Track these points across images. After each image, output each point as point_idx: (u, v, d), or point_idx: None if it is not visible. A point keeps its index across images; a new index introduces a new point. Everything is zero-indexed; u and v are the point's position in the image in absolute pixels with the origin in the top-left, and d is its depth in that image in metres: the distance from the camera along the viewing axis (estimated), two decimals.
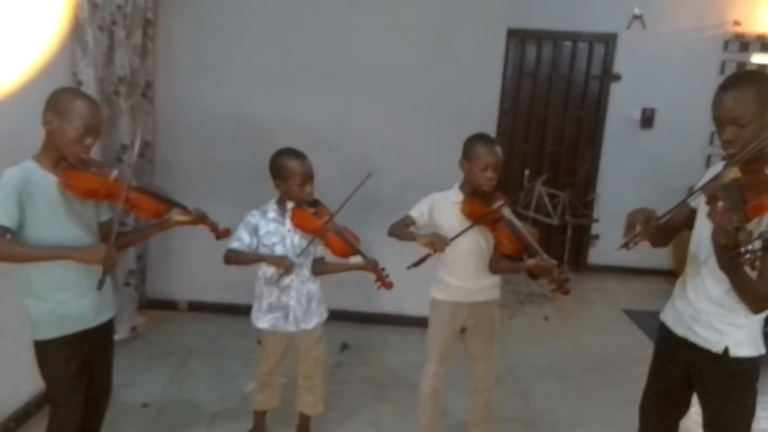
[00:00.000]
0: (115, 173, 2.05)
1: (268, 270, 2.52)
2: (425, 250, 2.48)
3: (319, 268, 2.59)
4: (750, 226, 1.62)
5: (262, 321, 2.57)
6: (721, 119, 1.80)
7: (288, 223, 2.48)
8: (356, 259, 2.44)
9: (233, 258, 2.48)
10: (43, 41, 2.81)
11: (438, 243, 2.39)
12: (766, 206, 1.62)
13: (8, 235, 1.86)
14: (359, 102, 4.07)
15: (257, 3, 4.02)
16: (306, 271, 2.55)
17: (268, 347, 2.62)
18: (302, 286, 2.54)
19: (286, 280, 2.50)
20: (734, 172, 1.67)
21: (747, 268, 1.67)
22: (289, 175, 2.44)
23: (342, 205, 2.38)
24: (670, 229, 2.08)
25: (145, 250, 4.23)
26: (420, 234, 2.49)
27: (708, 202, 1.74)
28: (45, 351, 2.03)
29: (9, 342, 2.59)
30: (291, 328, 2.54)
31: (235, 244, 2.48)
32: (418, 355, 2.82)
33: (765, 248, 1.48)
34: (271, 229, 2.48)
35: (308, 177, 2.46)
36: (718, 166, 1.99)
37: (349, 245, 2.41)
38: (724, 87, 1.81)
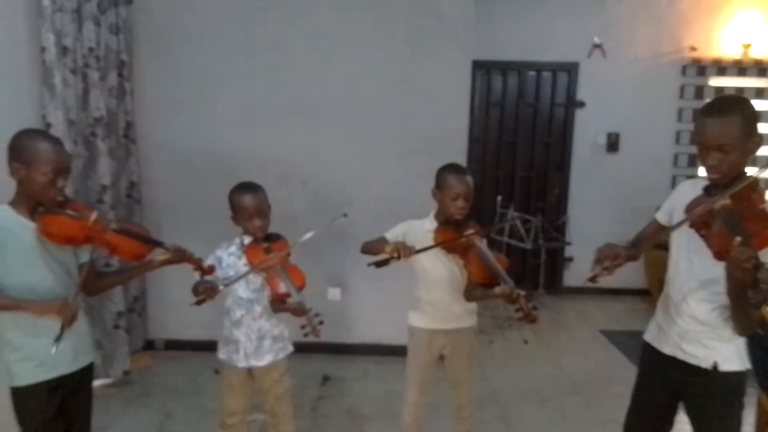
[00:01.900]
0: (94, 215, 2.00)
1: (227, 300, 2.50)
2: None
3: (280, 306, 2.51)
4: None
5: (221, 351, 2.56)
6: (705, 145, 1.77)
7: (244, 258, 2.45)
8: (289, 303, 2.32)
9: None
10: (9, 84, 2.81)
11: (404, 250, 2.34)
12: None
13: None
14: (331, 135, 4.13)
15: (228, 41, 4.08)
16: (258, 308, 2.49)
17: (225, 379, 2.57)
18: (253, 323, 2.49)
19: (237, 315, 2.47)
20: (724, 199, 1.67)
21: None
22: (237, 209, 2.43)
23: (298, 243, 2.30)
24: (641, 249, 2.14)
25: (142, 290, 4.19)
26: (388, 243, 2.43)
27: (696, 229, 1.74)
28: (20, 397, 2.00)
29: None
30: (242, 363, 2.50)
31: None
32: (398, 384, 2.82)
33: None
34: (231, 262, 2.46)
35: (254, 211, 2.40)
36: (685, 185, 2.04)
37: (281, 291, 2.30)
38: (709, 113, 1.78)
